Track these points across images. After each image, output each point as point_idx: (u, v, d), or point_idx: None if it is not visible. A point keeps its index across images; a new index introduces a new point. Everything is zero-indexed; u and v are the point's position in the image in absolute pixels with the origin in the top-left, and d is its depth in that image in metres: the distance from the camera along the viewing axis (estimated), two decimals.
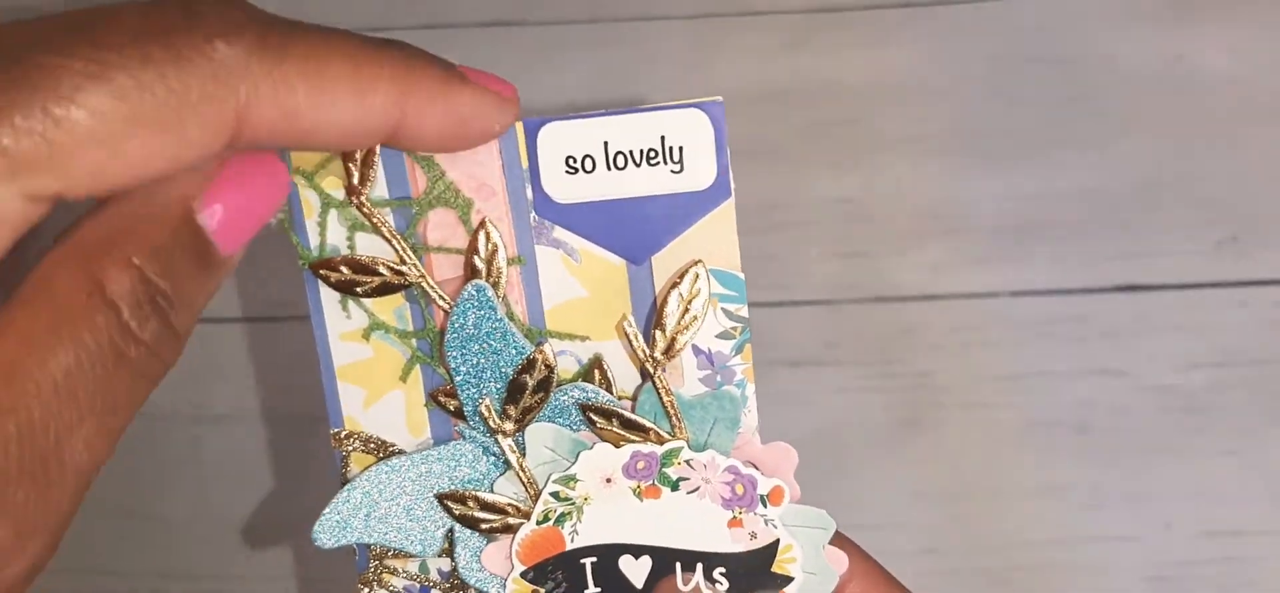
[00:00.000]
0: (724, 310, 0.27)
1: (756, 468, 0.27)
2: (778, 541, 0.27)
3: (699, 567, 0.27)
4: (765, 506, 0.27)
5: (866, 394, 0.45)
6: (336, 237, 0.27)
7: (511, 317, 0.27)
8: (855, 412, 0.45)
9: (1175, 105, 0.45)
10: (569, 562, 0.28)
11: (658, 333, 0.27)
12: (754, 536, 0.27)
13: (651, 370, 0.27)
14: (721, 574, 0.27)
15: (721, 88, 0.45)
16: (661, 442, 0.27)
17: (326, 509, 0.28)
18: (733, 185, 0.26)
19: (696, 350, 0.27)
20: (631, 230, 0.26)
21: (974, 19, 0.45)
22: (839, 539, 0.28)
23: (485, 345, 0.27)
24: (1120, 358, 0.44)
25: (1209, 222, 0.44)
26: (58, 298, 0.22)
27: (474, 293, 0.26)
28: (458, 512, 0.28)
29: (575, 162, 0.26)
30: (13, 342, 0.22)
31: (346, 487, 0.28)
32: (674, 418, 0.27)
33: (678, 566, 0.28)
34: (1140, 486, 0.44)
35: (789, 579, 0.27)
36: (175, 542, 0.46)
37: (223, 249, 0.23)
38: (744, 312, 0.27)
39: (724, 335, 0.27)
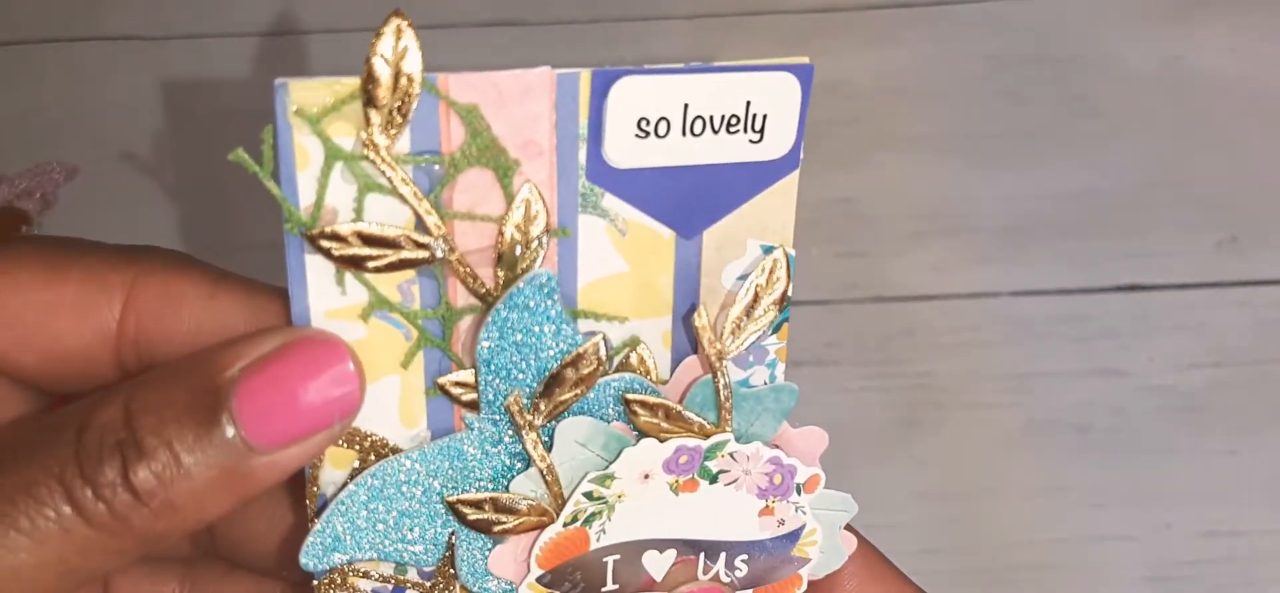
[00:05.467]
0: None
1: (791, 455, 0.26)
2: (804, 525, 0.26)
3: (722, 556, 0.26)
4: (800, 494, 0.26)
5: (866, 394, 0.45)
6: (341, 198, 0.21)
7: None
8: (855, 412, 0.44)
9: (1175, 105, 0.45)
10: (591, 561, 0.25)
11: (729, 328, 0.24)
12: (782, 523, 0.26)
13: (716, 365, 0.24)
14: (743, 561, 0.26)
15: None
16: (707, 435, 0.25)
17: (315, 531, 0.24)
18: (801, 156, 0.24)
19: None
20: (691, 200, 0.23)
21: (974, 19, 0.45)
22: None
23: (531, 337, 0.23)
24: (1120, 358, 0.44)
25: (1209, 222, 0.44)
26: (53, 423, 0.21)
27: (543, 281, 0.23)
28: (472, 517, 0.24)
29: (649, 124, 0.22)
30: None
31: (336, 503, 0.24)
32: (724, 410, 0.25)
33: (702, 556, 0.26)
34: (1140, 486, 0.44)
35: (807, 560, 0.26)
36: None
37: (247, 429, 0.21)
38: (788, 290, 0.25)
39: None
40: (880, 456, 0.44)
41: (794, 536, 0.26)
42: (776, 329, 0.25)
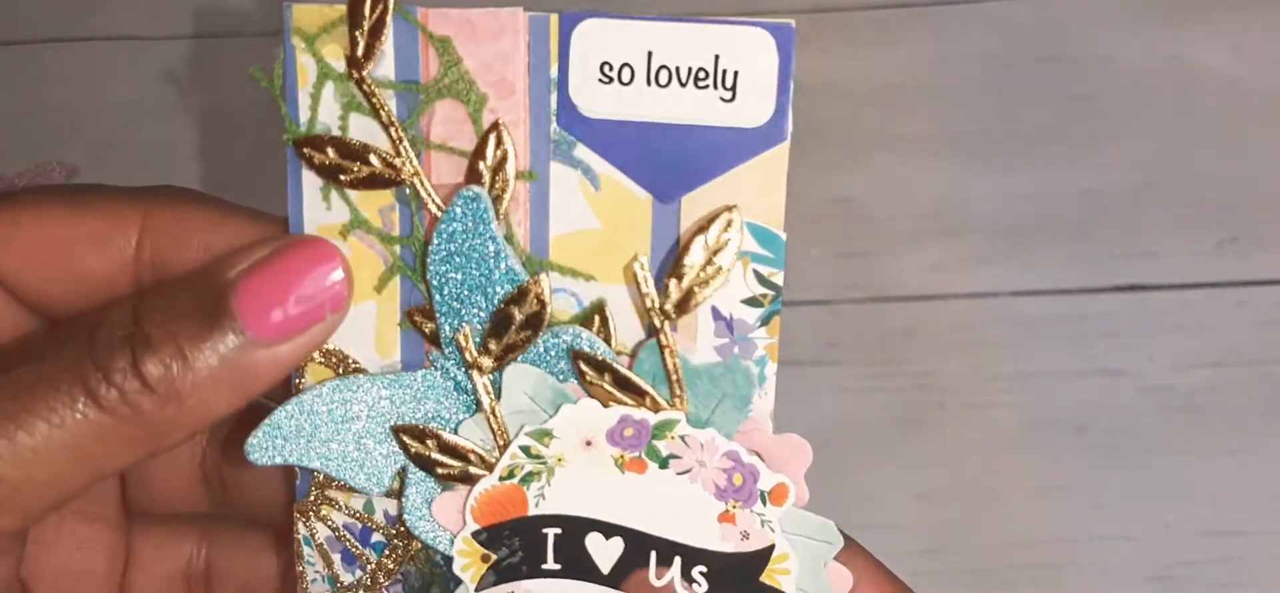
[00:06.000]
0: (756, 272, 0.23)
1: (761, 459, 0.23)
2: (772, 547, 0.24)
3: (677, 561, 0.24)
4: (765, 504, 0.23)
5: (866, 394, 0.45)
6: (329, 114, 0.23)
7: (511, 239, 0.23)
8: (855, 412, 0.44)
9: (1175, 105, 0.45)
10: (529, 529, 0.24)
11: (672, 282, 0.23)
12: (746, 536, 0.24)
13: (658, 324, 0.23)
14: (701, 574, 0.24)
15: None
16: (657, 409, 0.23)
17: (269, 419, 0.24)
18: (790, 128, 0.22)
19: (716, 314, 0.23)
20: (665, 161, 0.23)
21: (974, 19, 0.45)
22: (845, 552, 0.24)
23: (473, 264, 0.23)
24: (1120, 358, 0.44)
25: (1209, 222, 0.44)
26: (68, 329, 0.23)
27: (469, 201, 0.23)
28: (413, 449, 0.24)
29: (611, 69, 0.22)
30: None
31: (295, 399, 0.24)
32: (675, 385, 0.23)
33: (653, 555, 0.24)
34: (1140, 486, 0.44)
35: (779, 592, 0.24)
36: None
37: (246, 324, 0.22)
38: (778, 278, 0.23)
39: (751, 301, 0.23)
40: (880, 456, 0.44)
41: (762, 555, 0.24)
42: (766, 322, 0.23)
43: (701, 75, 0.22)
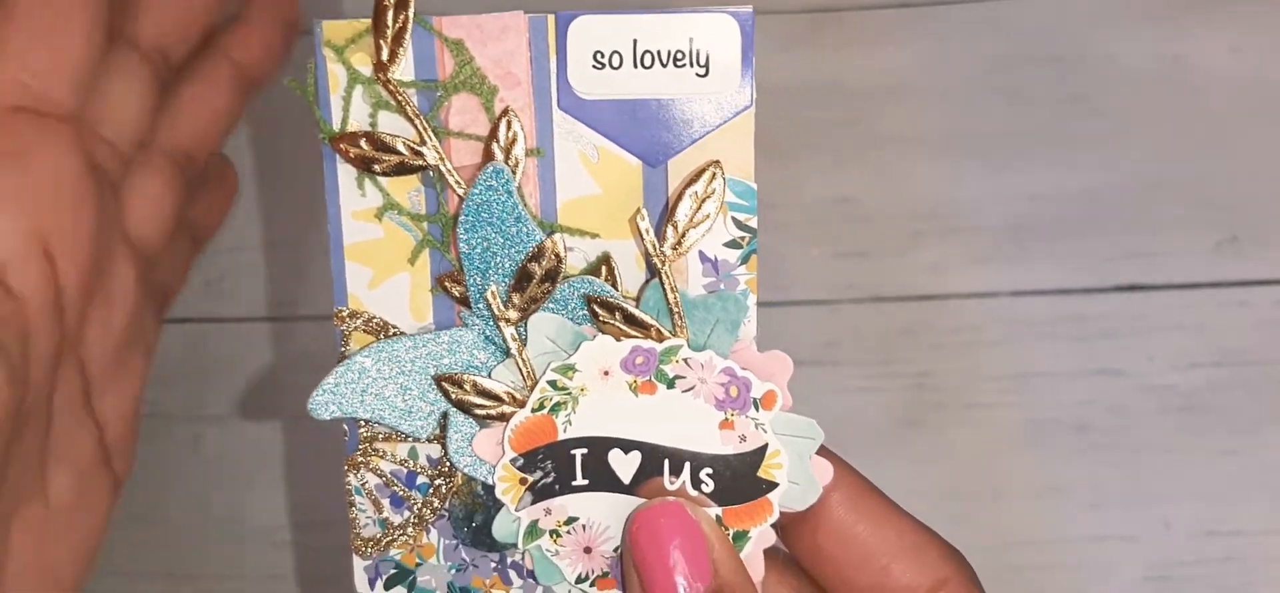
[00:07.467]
0: (734, 219, 0.27)
1: (752, 373, 0.28)
2: (766, 445, 0.28)
3: (687, 466, 0.28)
4: (757, 409, 0.28)
5: (866, 394, 0.45)
6: (360, 114, 0.27)
7: (525, 207, 0.27)
8: (855, 412, 0.45)
9: (1175, 105, 0.45)
10: (559, 452, 0.28)
11: (669, 229, 0.27)
12: (744, 438, 0.28)
13: (660, 265, 0.27)
14: (708, 475, 0.28)
15: None
16: (662, 339, 0.27)
17: (325, 380, 0.28)
18: (754, 95, 0.27)
19: (703, 257, 0.27)
20: (651, 132, 0.27)
21: (974, 19, 0.45)
22: (823, 451, 0.28)
23: (497, 229, 0.27)
24: (1120, 358, 0.44)
25: (1209, 222, 0.44)
26: None
27: (493, 173, 0.27)
28: (454, 395, 0.28)
29: (603, 57, 0.27)
30: None
31: (346, 361, 0.28)
32: (676, 316, 0.27)
33: (666, 463, 0.28)
34: (1140, 486, 0.44)
35: (773, 485, 0.28)
36: (175, 542, 0.46)
37: None
38: (753, 222, 0.27)
39: (732, 244, 0.27)
40: (880, 455, 0.44)
41: (757, 454, 0.28)
42: (745, 261, 0.28)
43: (679, 57, 0.27)
